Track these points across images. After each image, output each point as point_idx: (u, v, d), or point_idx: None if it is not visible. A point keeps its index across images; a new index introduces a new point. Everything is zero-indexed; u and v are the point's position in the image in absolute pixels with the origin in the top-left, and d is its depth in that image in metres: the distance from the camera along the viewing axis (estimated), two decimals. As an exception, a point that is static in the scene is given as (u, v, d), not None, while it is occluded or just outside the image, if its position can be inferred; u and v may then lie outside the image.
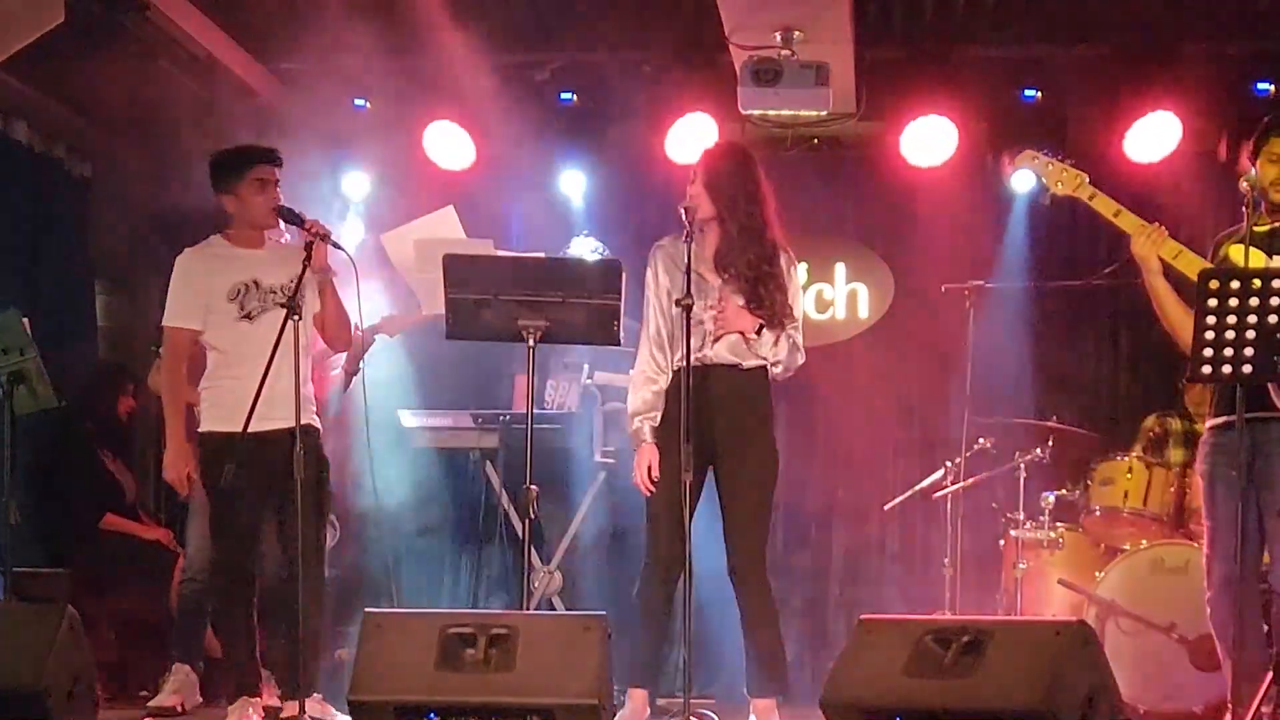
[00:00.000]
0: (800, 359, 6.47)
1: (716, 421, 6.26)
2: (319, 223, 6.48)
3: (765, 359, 6.35)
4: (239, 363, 6.58)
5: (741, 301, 6.29)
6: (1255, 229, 5.94)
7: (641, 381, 6.41)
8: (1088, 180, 6.30)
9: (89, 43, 8.40)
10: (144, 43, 8.71)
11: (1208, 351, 5.53)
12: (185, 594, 7.57)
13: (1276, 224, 6.12)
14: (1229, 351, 5.50)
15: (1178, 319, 6.07)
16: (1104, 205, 6.23)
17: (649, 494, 6.34)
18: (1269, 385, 5.83)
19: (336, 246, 6.54)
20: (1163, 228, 6.16)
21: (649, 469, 6.30)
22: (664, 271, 6.41)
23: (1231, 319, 5.47)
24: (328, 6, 8.50)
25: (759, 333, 6.27)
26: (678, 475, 6.08)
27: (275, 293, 6.64)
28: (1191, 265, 6.02)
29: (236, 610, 6.67)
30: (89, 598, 8.13)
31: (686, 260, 6.06)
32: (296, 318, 6.24)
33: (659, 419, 6.36)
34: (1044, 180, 6.41)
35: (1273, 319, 5.44)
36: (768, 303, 6.30)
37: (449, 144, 9.42)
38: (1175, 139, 8.94)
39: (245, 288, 6.65)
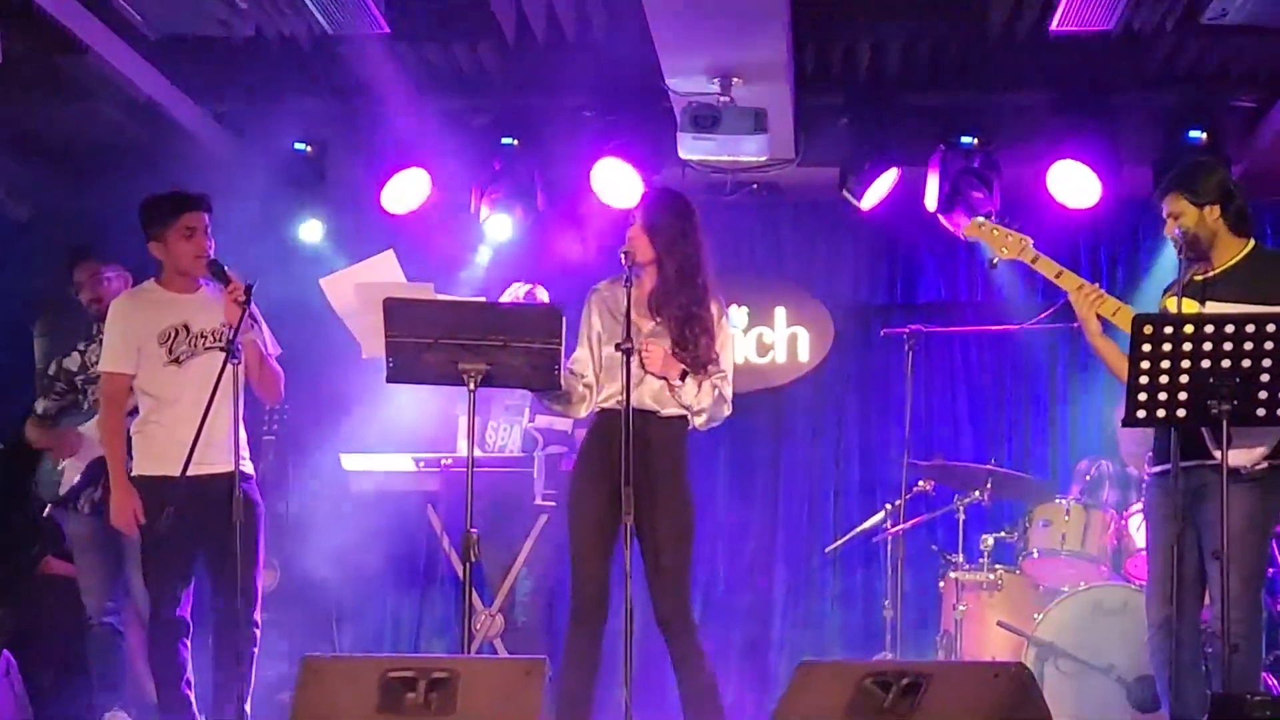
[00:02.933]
0: (726, 411, 6.46)
1: (632, 467, 6.23)
2: (241, 288, 6.44)
3: (688, 407, 6.36)
4: (167, 407, 6.60)
5: (668, 346, 6.31)
6: (1194, 279, 6.09)
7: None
8: (1031, 244, 6.42)
9: (26, 85, 8.38)
10: (82, 85, 8.69)
11: (1142, 396, 5.60)
12: (92, 639, 7.53)
13: (1208, 274, 6.21)
14: (1163, 396, 5.58)
15: (1123, 373, 6.15)
16: (1046, 267, 6.36)
17: (569, 537, 6.35)
18: (1204, 431, 5.92)
19: (253, 318, 6.52)
20: (1100, 288, 6.25)
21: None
22: (597, 315, 6.45)
23: (1165, 364, 5.54)
24: (267, 50, 8.51)
25: (683, 378, 6.28)
26: (598, 518, 6.12)
27: (205, 337, 6.65)
28: (1130, 320, 6.10)
29: (171, 654, 6.63)
30: (29, 641, 8.08)
31: (626, 304, 6.08)
32: (235, 361, 6.22)
33: (566, 382, 6.33)
34: (990, 246, 6.52)
35: (1206, 364, 5.51)
36: (692, 346, 6.30)
37: (389, 187, 9.41)
38: (1108, 186, 9.04)
39: (175, 332, 6.65)
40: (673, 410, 6.35)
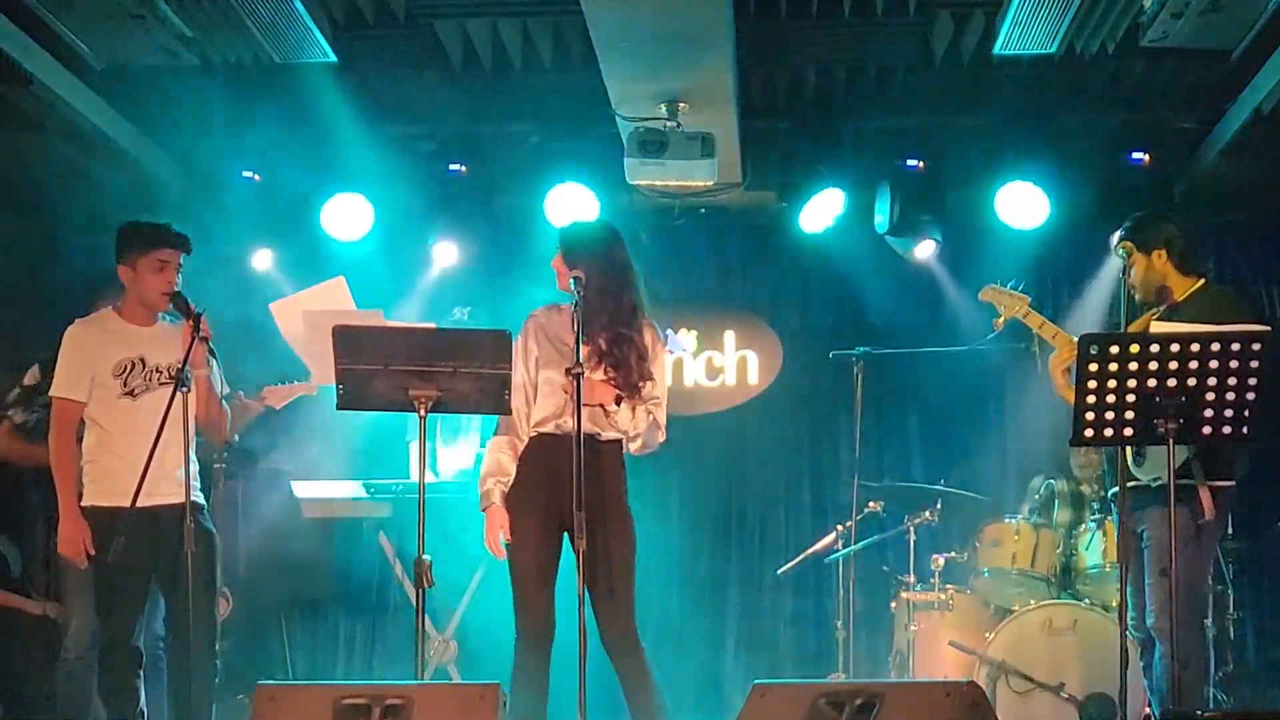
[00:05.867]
0: (660, 438, 6.47)
1: (571, 491, 6.24)
2: (202, 321, 6.43)
3: (624, 432, 6.38)
4: (121, 439, 6.54)
5: (600, 375, 6.33)
6: (1152, 320, 6.42)
7: (496, 446, 6.45)
8: (1028, 301, 6.95)
9: (-30, 116, 8.36)
10: (28, 116, 8.67)
11: (1089, 415, 5.66)
12: (66, 672, 7.46)
13: (1164, 308, 6.53)
14: (1110, 415, 5.64)
15: None
16: (1033, 321, 6.89)
17: (511, 562, 6.35)
18: (1128, 454, 6.08)
19: (212, 354, 6.54)
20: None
21: (502, 531, 6.33)
22: (534, 340, 6.45)
23: (1112, 383, 5.61)
24: (215, 79, 8.51)
25: (617, 403, 6.30)
26: (541, 543, 6.13)
27: (160, 372, 6.61)
28: None
29: (125, 685, 6.59)
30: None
31: (577, 328, 6.10)
32: (185, 389, 6.20)
33: (510, 483, 6.39)
34: (999, 309, 7.01)
35: (1152, 383, 5.57)
36: (623, 367, 6.34)
37: (339, 214, 9.41)
38: (1052, 206, 9.13)
39: (131, 365, 6.61)
40: (611, 434, 6.37)
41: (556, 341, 6.33)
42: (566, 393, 6.16)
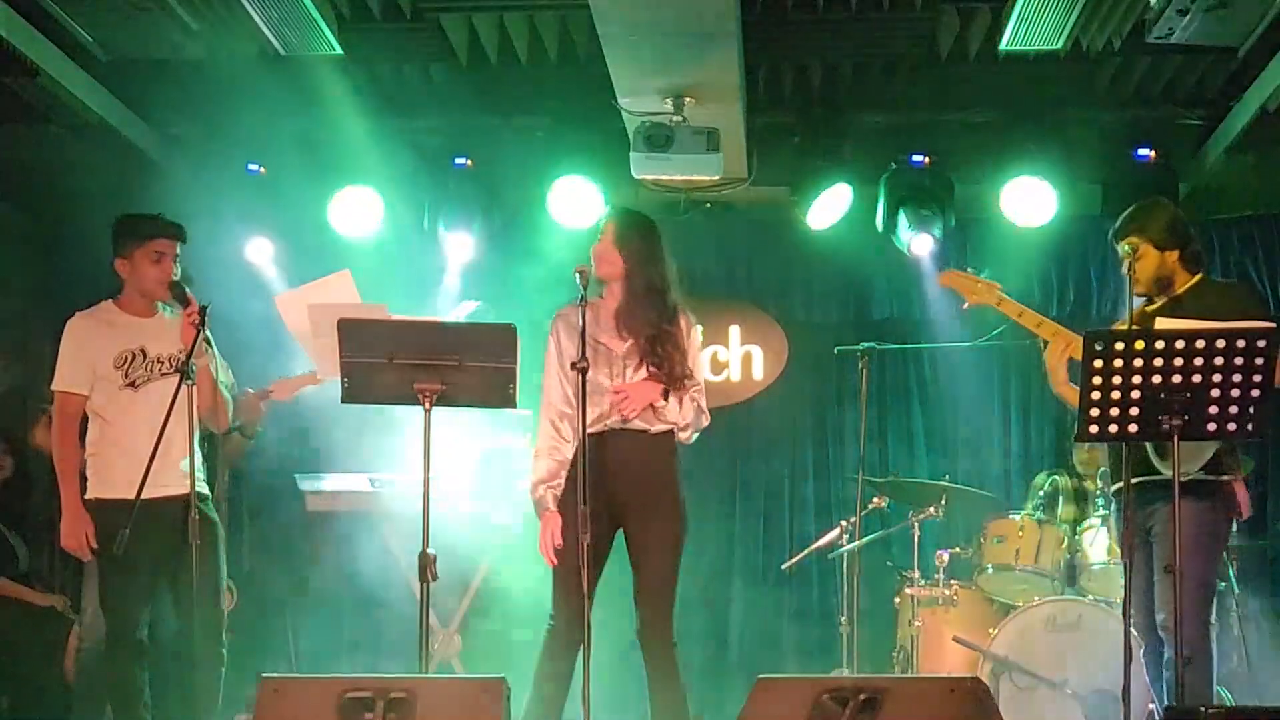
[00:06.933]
0: (705, 421, 6.50)
1: (624, 486, 6.28)
2: (197, 310, 6.43)
3: (674, 424, 6.39)
4: (124, 432, 6.55)
5: (643, 373, 6.33)
6: (1146, 311, 6.36)
7: (544, 451, 6.43)
8: (1000, 289, 6.70)
9: (-23, 107, 8.37)
10: (34, 107, 8.67)
11: (1094, 412, 5.65)
12: (83, 662, 7.46)
13: (1159, 303, 6.44)
14: (1115, 412, 5.63)
15: None
16: (1010, 308, 6.67)
17: (555, 559, 6.34)
18: (1148, 447, 6.03)
19: (208, 342, 6.54)
20: (1062, 327, 6.48)
21: (552, 536, 6.32)
22: (565, 339, 6.43)
23: (1117, 379, 5.60)
24: (220, 71, 8.50)
25: (665, 398, 6.31)
26: (578, 539, 6.12)
27: (162, 363, 6.62)
28: None
29: (128, 678, 6.60)
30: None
31: (581, 323, 6.09)
32: (189, 382, 6.19)
33: (562, 487, 6.39)
34: (961, 294, 6.80)
35: (1156, 379, 5.56)
36: (665, 363, 6.34)
37: (345, 208, 9.41)
38: (1058, 202, 9.11)
39: (132, 356, 6.62)
40: (660, 426, 6.37)
41: (590, 340, 6.27)
42: (609, 393, 6.21)
